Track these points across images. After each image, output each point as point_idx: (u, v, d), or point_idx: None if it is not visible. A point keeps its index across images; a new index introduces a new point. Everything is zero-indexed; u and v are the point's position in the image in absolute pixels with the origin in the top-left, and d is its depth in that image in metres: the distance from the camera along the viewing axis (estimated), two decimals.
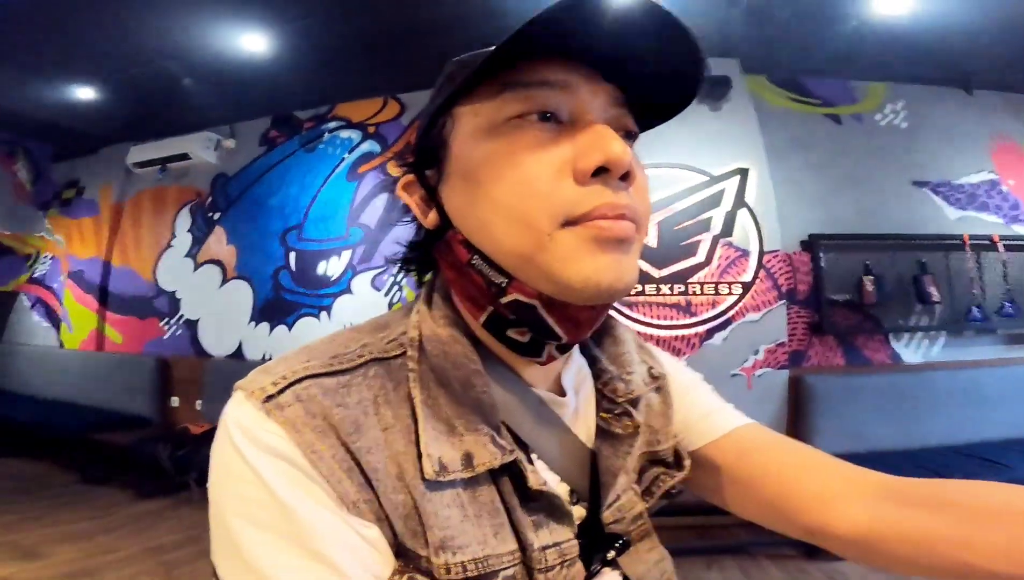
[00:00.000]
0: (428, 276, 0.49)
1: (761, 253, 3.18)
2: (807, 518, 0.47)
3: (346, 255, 3.91)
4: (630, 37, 0.37)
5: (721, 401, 0.59)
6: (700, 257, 3.21)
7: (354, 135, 4.09)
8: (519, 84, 0.39)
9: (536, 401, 0.45)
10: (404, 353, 0.42)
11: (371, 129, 4.05)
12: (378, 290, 3.79)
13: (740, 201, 3.23)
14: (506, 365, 0.45)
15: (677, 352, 3.15)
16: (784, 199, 3.28)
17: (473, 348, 0.42)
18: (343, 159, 4.07)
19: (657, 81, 0.41)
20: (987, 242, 3.26)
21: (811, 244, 3.26)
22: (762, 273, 3.17)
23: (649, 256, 3.18)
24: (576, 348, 0.50)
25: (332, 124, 4.17)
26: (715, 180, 3.26)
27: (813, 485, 0.48)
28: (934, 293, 3.12)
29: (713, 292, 3.17)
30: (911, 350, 3.27)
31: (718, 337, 3.16)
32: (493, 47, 0.37)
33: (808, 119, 3.53)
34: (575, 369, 0.50)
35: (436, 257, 0.46)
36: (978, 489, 0.41)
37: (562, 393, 0.48)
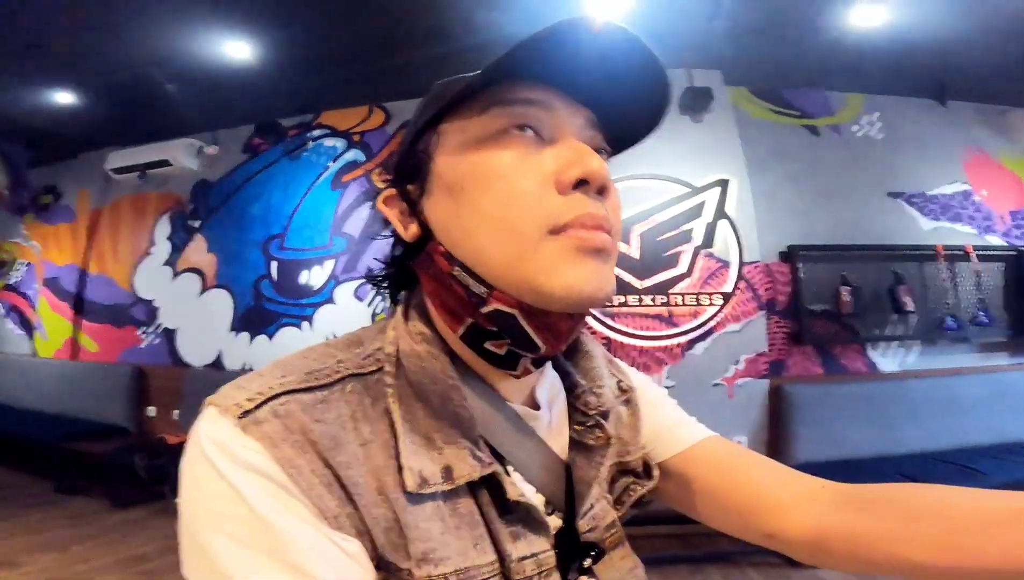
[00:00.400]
0: (403, 294, 0.50)
1: (741, 264, 3.22)
2: (766, 525, 0.51)
3: (329, 265, 3.88)
4: (606, 64, 0.40)
5: (686, 415, 0.61)
6: (682, 268, 3.24)
7: (339, 143, 4.07)
8: (504, 101, 0.41)
9: (512, 415, 0.46)
10: (381, 369, 0.42)
11: (356, 137, 4.04)
12: (361, 300, 3.76)
13: (721, 212, 3.27)
14: (483, 379, 0.46)
15: (659, 362, 3.18)
16: (763, 210, 3.34)
17: (451, 363, 0.42)
18: (327, 167, 4.05)
19: (627, 107, 0.44)
20: (960, 252, 3.34)
21: (790, 255, 3.32)
22: (742, 284, 3.21)
23: (631, 267, 3.20)
24: (549, 363, 0.51)
25: (316, 132, 4.15)
26: (696, 191, 3.31)
27: (771, 494, 0.51)
28: (909, 303, 3.19)
29: (694, 303, 3.20)
30: (887, 359, 3.33)
31: (700, 347, 3.19)
32: (479, 71, 0.39)
33: (787, 130, 3.59)
34: (548, 383, 0.51)
35: (416, 270, 0.47)
36: (917, 490, 0.45)
37: (536, 407, 0.49)
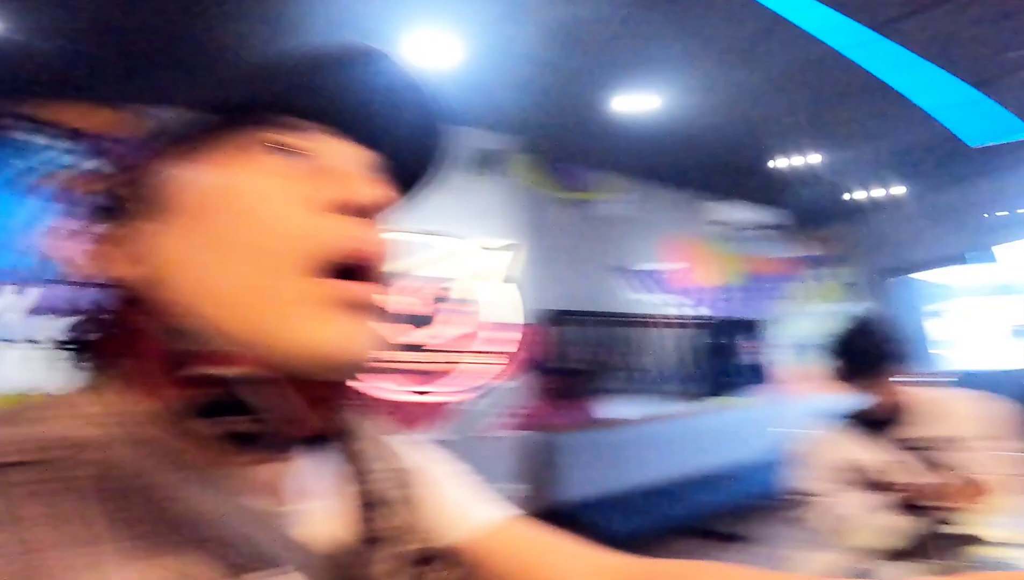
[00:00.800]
0: (93, 360, 0.37)
1: (513, 325, 3.53)
2: None
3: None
4: (383, 102, 0.38)
5: (477, 492, 0.54)
6: (456, 326, 3.38)
7: (60, 144, 3.08)
8: (262, 124, 0.36)
9: (257, 509, 0.36)
10: (62, 457, 0.30)
11: (82, 140, 3.13)
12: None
13: (498, 273, 3.58)
14: (212, 467, 0.34)
15: (429, 419, 3.22)
16: (533, 276, 3.72)
17: (168, 448, 0.32)
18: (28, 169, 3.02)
19: (404, 154, 0.41)
20: (669, 320, 4.35)
21: (553, 318, 3.80)
22: (513, 344, 3.50)
23: (403, 321, 3.22)
24: (308, 444, 0.39)
25: (25, 125, 3.04)
26: (480, 251, 3.55)
27: (562, 572, 0.49)
28: (634, 361, 4.00)
29: (466, 360, 3.37)
30: (621, 408, 3.98)
31: (470, 404, 3.34)
32: (234, 100, 0.36)
33: (554, 201, 4.15)
34: (306, 468, 0.40)
35: (119, 328, 0.36)
36: (694, 567, 0.46)
37: (289, 497, 0.39)
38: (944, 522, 1.24)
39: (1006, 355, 5.43)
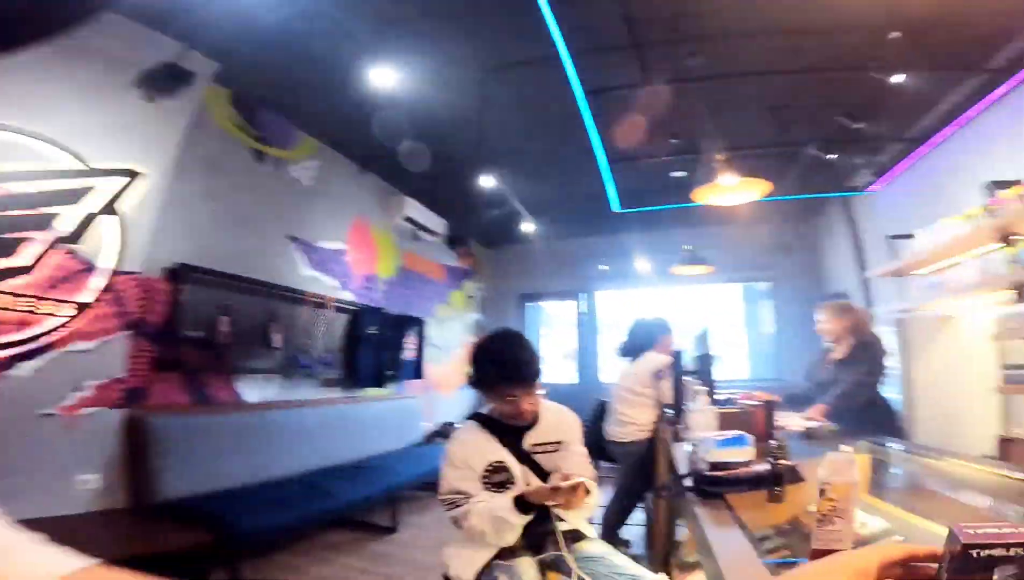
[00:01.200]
0: None
1: (115, 272, 2.73)
2: None
3: None
4: None
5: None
6: (23, 260, 2.41)
7: None
8: None
9: None
10: None
11: None
12: None
13: (110, 206, 2.71)
14: None
15: None
16: (168, 218, 3.00)
17: None
18: None
19: None
20: (322, 301, 4.08)
21: (177, 273, 3.07)
22: (108, 295, 2.71)
23: None
24: None
25: None
26: (89, 173, 2.63)
27: None
28: (277, 339, 3.57)
29: (30, 308, 2.42)
30: (253, 390, 3.56)
31: (27, 367, 2.41)
32: None
33: (235, 147, 3.47)
34: None
35: None
36: None
37: None
38: (558, 519, 1.37)
39: (565, 372, 6.98)
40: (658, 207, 5.12)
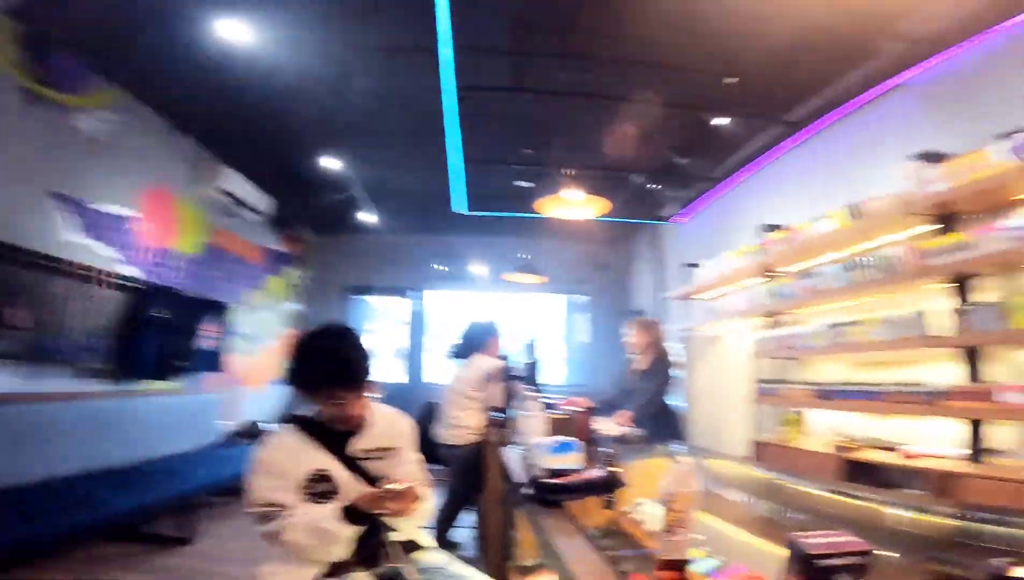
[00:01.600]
0: None
1: None
2: None
3: None
4: None
5: None
6: None
7: None
8: None
9: None
10: None
11: None
12: None
13: None
14: None
15: None
16: None
17: None
18: None
19: None
20: (90, 274, 3.25)
21: None
22: None
23: None
24: None
25: None
26: None
27: None
28: (20, 317, 2.76)
29: None
30: (19, 380, 2.75)
31: None
32: None
33: (7, 85, 2.73)
34: None
35: None
36: None
37: None
38: (391, 529, 1.27)
39: (394, 372, 6.85)
40: (502, 213, 5.27)
